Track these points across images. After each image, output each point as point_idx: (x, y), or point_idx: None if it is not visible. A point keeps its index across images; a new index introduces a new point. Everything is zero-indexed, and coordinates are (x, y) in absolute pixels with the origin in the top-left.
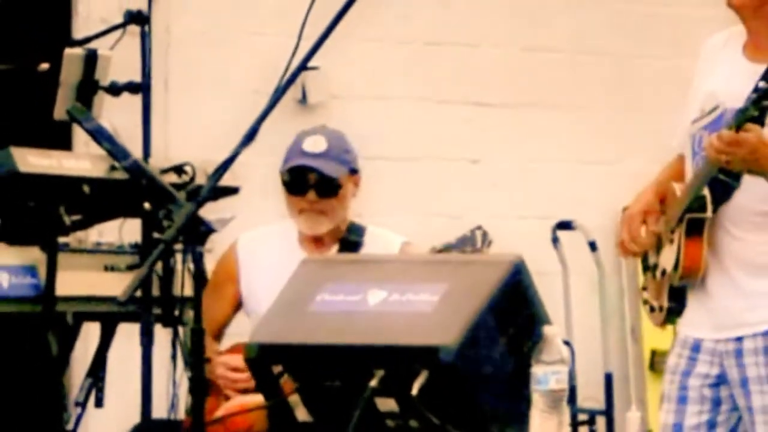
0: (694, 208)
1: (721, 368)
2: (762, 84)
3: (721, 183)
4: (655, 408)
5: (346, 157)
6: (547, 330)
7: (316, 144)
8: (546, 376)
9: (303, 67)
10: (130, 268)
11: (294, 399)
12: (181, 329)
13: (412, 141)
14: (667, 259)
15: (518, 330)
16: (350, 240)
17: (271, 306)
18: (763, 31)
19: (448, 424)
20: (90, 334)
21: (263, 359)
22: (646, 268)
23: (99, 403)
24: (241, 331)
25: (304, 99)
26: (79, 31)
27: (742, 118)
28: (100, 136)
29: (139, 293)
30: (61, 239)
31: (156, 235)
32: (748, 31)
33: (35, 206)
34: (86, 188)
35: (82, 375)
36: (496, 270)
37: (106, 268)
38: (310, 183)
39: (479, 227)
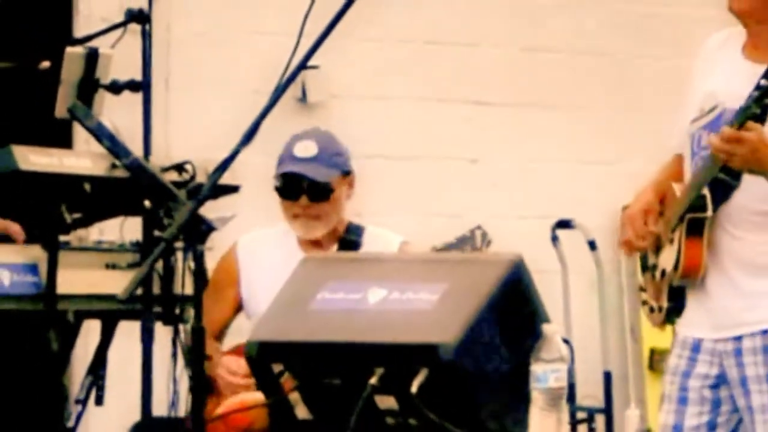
0: (695, 207)
1: (720, 368)
2: (764, 82)
3: (722, 182)
4: (654, 406)
5: (337, 160)
6: (546, 328)
7: (306, 149)
8: (545, 374)
9: (303, 65)
10: (131, 266)
11: (294, 397)
12: (181, 327)
13: (412, 140)
14: (666, 259)
15: (518, 328)
16: (349, 240)
17: (271, 304)
18: (763, 33)
19: (448, 422)
20: (90, 331)
21: (263, 357)
22: (645, 268)
23: (99, 401)
24: (242, 330)
25: (304, 98)
26: (80, 30)
27: (744, 116)
28: (100, 134)
29: (139, 291)
30: (62, 237)
31: (157, 233)
32: (748, 32)
33: (36, 204)
34: (87, 186)
35: (82, 373)
36: (495, 269)
37: (107, 266)
38: (302, 188)
39: (479, 227)
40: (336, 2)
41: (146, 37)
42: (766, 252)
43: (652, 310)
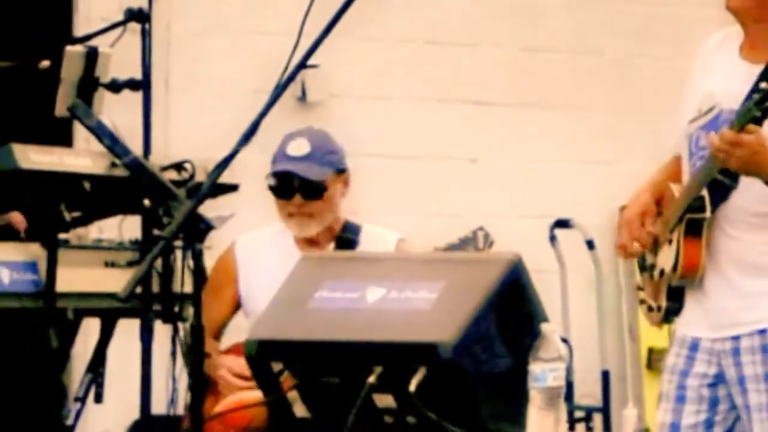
0: (693, 208)
1: (719, 367)
2: (763, 85)
3: (720, 184)
4: (652, 405)
5: (330, 158)
6: (544, 327)
7: (299, 147)
8: (543, 373)
9: (303, 65)
10: (130, 264)
11: (292, 395)
12: (180, 325)
13: (412, 140)
14: (665, 259)
15: (516, 327)
16: (346, 238)
17: (270, 303)
18: (760, 32)
19: (446, 420)
20: (90, 330)
21: (262, 355)
22: (643, 268)
23: (98, 399)
24: (240, 328)
25: (303, 97)
26: (79, 29)
27: (745, 119)
28: (100, 133)
29: (139, 290)
30: (62, 235)
31: (156, 231)
32: (745, 32)
33: (36, 202)
34: (87, 185)
35: (81, 370)
36: (494, 268)
37: (107, 265)
38: (295, 187)
39: (481, 228)
40: (336, 2)
41: (146, 36)
42: (764, 252)
43: (650, 309)
